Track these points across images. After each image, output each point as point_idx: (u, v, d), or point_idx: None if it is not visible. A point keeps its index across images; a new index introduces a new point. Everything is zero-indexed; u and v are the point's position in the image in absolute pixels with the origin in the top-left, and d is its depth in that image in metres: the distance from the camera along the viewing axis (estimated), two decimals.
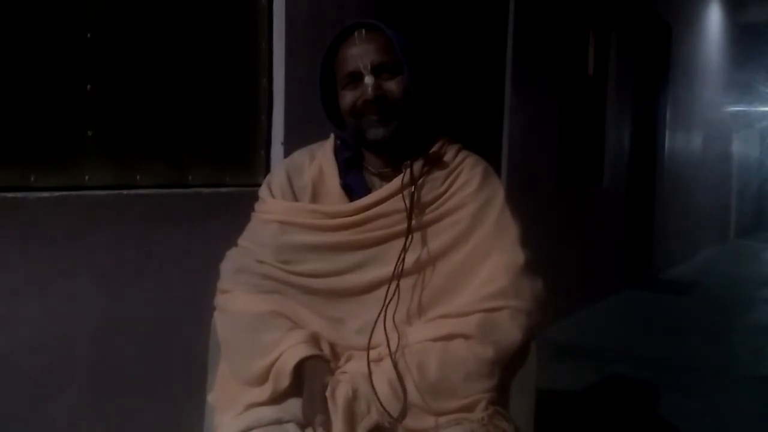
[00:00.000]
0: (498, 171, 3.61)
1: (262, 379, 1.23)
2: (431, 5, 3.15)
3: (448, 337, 1.24)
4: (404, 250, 1.26)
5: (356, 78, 1.29)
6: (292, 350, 1.21)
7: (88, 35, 1.76)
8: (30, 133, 1.66)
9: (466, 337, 1.23)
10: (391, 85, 1.29)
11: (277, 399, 1.21)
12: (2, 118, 1.60)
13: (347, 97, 1.31)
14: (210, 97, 2.11)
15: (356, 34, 1.30)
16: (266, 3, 2.27)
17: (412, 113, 1.32)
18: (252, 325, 1.26)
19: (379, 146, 1.32)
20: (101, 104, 1.80)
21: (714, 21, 8.19)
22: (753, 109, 10.46)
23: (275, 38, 2.28)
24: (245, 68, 2.23)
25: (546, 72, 4.18)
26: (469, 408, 1.20)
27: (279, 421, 1.17)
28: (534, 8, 3.94)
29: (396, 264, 1.26)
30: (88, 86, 1.77)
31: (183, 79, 2.02)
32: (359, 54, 1.28)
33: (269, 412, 1.18)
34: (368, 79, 1.27)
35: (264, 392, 1.21)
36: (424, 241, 1.30)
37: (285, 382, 1.20)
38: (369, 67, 1.27)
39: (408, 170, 1.30)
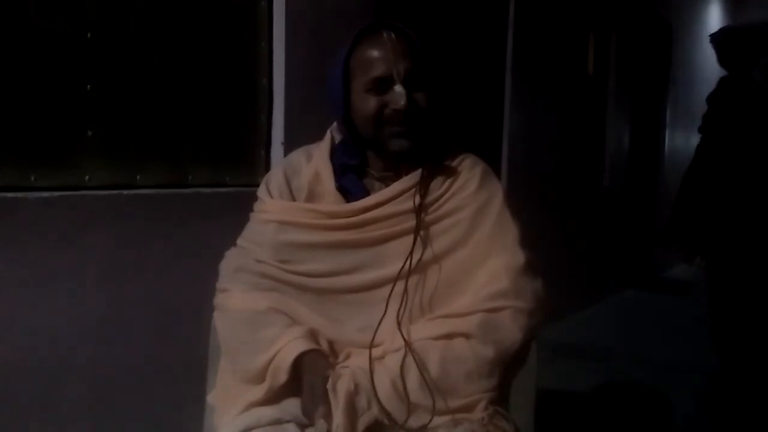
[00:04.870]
0: (498, 171, 3.61)
1: (262, 375, 1.22)
2: (431, 5, 3.14)
3: (449, 336, 1.24)
4: (412, 250, 1.26)
5: (385, 83, 1.24)
6: (290, 345, 1.20)
7: (88, 35, 1.76)
8: (30, 133, 1.66)
9: (467, 336, 1.23)
10: (420, 98, 1.26)
11: (274, 395, 1.21)
12: (2, 118, 1.60)
13: (371, 102, 1.25)
14: (210, 97, 2.11)
15: (385, 35, 1.25)
16: (266, 3, 2.26)
17: (433, 125, 1.30)
18: (250, 322, 1.26)
19: (400, 157, 1.30)
20: (101, 104, 1.80)
21: (714, 21, 8.19)
22: None
23: (275, 38, 2.28)
24: (245, 68, 2.23)
25: (546, 72, 4.18)
26: (469, 408, 1.20)
27: (279, 421, 1.16)
28: (534, 8, 3.94)
29: (404, 263, 1.25)
30: (88, 86, 1.77)
31: (183, 79, 2.02)
32: (392, 59, 1.23)
33: (269, 412, 1.18)
34: (400, 88, 1.23)
35: (262, 388, 1.21)
36: (424, 243, 1.30)
37: (283, 377, 1.20)
38: (402, 75, 1.23)
39: (415, 173, 1.31)
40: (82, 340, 1.73)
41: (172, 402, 1.91)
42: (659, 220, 6.49)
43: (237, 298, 1.30)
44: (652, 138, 6.44)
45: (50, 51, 1.68)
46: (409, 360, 1.20)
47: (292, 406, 1.19)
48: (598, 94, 5.17)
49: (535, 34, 4.00)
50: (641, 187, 6.16)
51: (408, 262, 1.25)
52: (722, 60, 3.30)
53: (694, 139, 3.76)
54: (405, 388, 1.18)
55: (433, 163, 1.33)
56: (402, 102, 1.22)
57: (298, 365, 1.20)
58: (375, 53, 1.24)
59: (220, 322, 1.33)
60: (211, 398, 1.35)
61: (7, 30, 1.60)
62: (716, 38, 3.30)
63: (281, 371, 1.20)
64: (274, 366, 1.20)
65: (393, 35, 1.26)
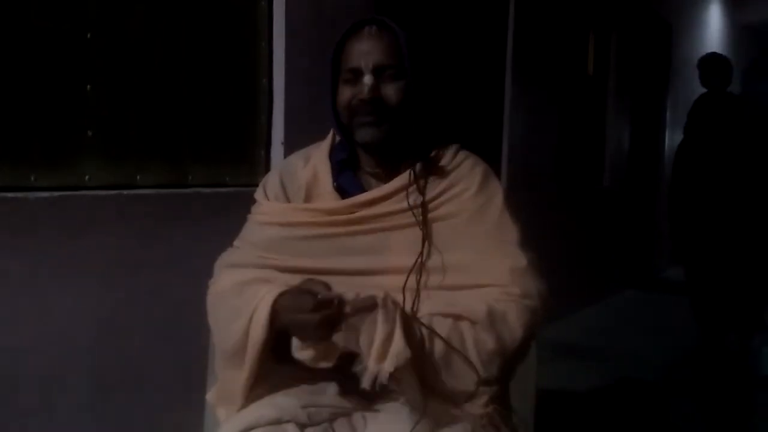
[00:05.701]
0: (498, 171, 3.61)
1: (242, 342, 1.20)
2: (432, 5, 3.15)
3: (458, 318, 1.22)
4: (423, 245, 1.26)
5: (357, 74, 1.28)
6: (266, 298, 1.17)
7: (88, 35, 1.76)
8: (30, 133, 1.66)
9: (473, 322, 1.22)
10: (389, 89, 1.27)
11: (259, 364, 1.18)
12: (2, 118, 1.60)
13: (345, 93, 1.29)
14: (210, 97, 2.11)
15: (366, 29, 1.29)
16: (266, 3, 2.27)
17: (410, 119, 1.31)
18: (232, 293, 1.25)
19: (368, 148, 1.31)
20: (101, 104, 1.80)
21: (714, 21, 8.19)
22: None
23: (275, 38, 2.28)
24: (245, 68, 2.23)
25: (546, 72, 4.18)
26: (467, 397, 1.20)
27: (278, 421, 1.16)
28: (534, 8, 3.94)
29: (416, 259, 1.25)
30: (88, 86, 1.77)
31: (183, 79, 2.03)
32: (365, 51, 1.27)
33: (269, 412, 1.18)
34: (367, 79, 1.26)
35: (245, 365, 1.19)
36: (423, 242, 1.30)
37: (260, 332, 1.16)
38: (371, 66, 1.26)
39: (408, 171, 1.30)
40: (82, 339, 1.73)
41: (173, 401, 1.91)
42: (659, 220, 6.49)
43: (223, 279, 1.30)
44: (652, 138, 6.44)
45: (50, 51, 1.69)
46: (420, 331, 1.18)
47: (292, 406, 1.19)
48: (598, 94, 5.17)
49: (535, 34, 4.00)
50: (641, 187, 6.16)
51: (419, 259, 1.25)
52: (704, 80, 3.88)
53: None
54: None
55: (426, 160, 1.33)
56: (365, 92, 1.25)
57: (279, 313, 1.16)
58: (353, 46, 1.28)
59: (208, 305, 1.32)
60: (210, 397, 1.35)
61: (7, 30, 1.60)
62: (702, 62, 3.90)
63: (257, 325, 1.16)
64: (252, 323, 1.17)
65: (375, 29, 1.29)
